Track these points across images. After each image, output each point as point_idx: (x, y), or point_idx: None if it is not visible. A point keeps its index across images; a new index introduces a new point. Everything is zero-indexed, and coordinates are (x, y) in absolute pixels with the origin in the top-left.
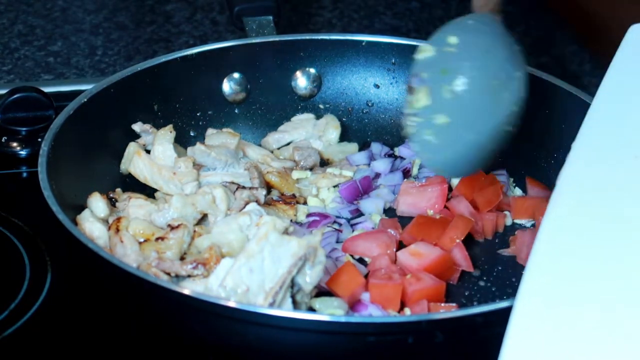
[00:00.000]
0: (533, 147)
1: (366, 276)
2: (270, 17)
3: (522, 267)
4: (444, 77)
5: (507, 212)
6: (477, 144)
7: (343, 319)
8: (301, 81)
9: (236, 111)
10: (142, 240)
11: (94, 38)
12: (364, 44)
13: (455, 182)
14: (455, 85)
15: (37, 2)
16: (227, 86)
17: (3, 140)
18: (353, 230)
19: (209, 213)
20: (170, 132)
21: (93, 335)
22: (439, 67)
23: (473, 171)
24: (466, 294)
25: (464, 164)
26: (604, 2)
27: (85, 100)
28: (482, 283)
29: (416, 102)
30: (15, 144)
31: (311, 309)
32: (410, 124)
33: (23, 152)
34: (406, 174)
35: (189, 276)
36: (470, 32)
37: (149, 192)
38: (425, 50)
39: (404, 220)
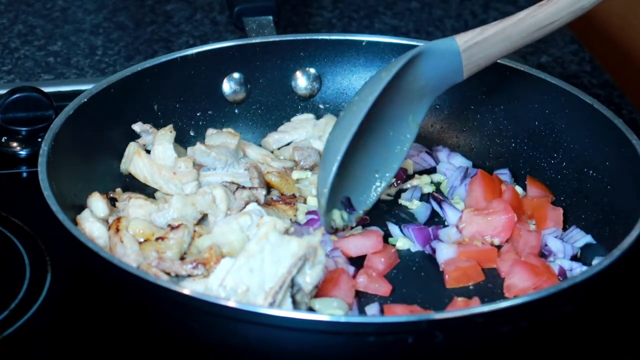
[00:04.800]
0: (533, 147)
1: (354, 275)
2: (270, 17)
3: None
4: None
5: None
6: None
7: (343, 319)
8: (301, 81)
9: (236, 111)
10: (142, 240)
11: (94, 38)
12: (364, 44)
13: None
14: None
15: (37, 2)
16: (227, 86)
17: (3, 140)
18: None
19: (209, 213)
20: (170, 132)
21: (93, 335)
22: None
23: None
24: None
25: None
26: (603, 3)
27: (85, 100)
28: (482, 283)
29: None
30: (15, 144)
31: (311, 309)
32: None
33: (23, 152)
34: (404, 173)
35: (189, 276)
36: None
37: (149, 192)
38: None
39: None
